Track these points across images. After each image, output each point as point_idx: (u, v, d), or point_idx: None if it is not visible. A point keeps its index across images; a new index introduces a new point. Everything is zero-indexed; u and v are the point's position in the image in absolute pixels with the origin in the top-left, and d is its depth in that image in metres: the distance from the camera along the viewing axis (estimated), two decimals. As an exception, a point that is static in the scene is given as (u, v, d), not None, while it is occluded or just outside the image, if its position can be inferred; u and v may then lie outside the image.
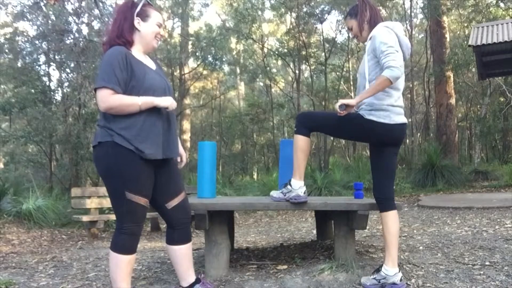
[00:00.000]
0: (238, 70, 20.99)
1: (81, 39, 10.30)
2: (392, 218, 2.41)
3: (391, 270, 2.35)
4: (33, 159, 13.31)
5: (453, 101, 12.25)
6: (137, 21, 2.16)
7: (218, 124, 19.96)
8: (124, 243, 2.08)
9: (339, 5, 14.48)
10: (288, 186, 2.57)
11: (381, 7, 15.47)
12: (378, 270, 2.40)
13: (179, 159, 2.36)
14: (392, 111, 2.39)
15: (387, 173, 2.46)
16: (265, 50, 16.35)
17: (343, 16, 15.44)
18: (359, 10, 2.52)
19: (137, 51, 2.19)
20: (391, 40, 2.32)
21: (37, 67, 12.23)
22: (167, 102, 2.11)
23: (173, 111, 2.21)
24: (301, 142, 2.48)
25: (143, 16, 2.18)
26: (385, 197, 2.44)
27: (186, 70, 16.78)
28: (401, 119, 2.43)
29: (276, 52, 15.52)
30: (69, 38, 10.45)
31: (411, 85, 16.06)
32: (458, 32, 17.38)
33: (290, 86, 19.61)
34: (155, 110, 2.11)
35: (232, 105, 23.26)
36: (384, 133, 2.39)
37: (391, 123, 2.38)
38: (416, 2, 15.57)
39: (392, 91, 2.40)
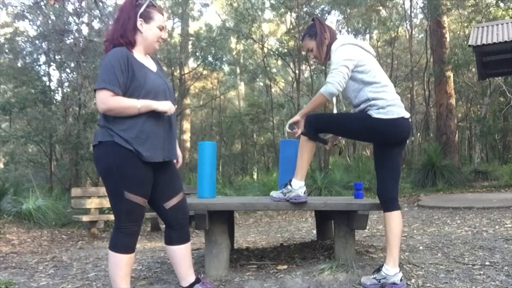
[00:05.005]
0: (238, 70, 20.97)
1: (81, 39, 10.30)
2: (395, 218, 2.41)
3: (391, 270, 2.35)
4: (33, 159, 13.29)
5: (453, 101, 12.25)
6: (139, 23, 2.14)
7: (218, 124, 19.95)
8: (123, 243, 2.08)
9: (339, 5, 14.47)
10: (288, 186, 2.56)
11: (381, 7, 15.48)
12: (378, 270, 2.39)
13: (174, 161, 2.35)
14: (397, 104, 2.40)
15: (393, 173, 2.45)
16: (265, 50, 16.34)
17: (343, 16, 15.46)
18: (318, 31, 2.50)
19: (139, 52, 2.18)
20: (339, 57, 2.33)
21: (37, 67, 12.23)
22: (166, 106, 2.10)
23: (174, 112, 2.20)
24: (308, 144, 2.49)
25: (146, 18, 2.15)
26: (390, 197, 2.43)
27: (186, 70, 16.79)
28: (406, 112, 2.43)
29: (276, 52, 15.51)
30: (69, 38, 10.45)
31: (411, 85, 16.06)
32: (458, 32, 17.38)
33: (290, 86, 19.61)
34: (155, 112, 2.10)
35: (232, 105, 23.26)
36: (393, 130, 2.38)
37: (399, 117, 2.37)
38: (416, 2, 15.58)
39: (384, 88, 2.40)
